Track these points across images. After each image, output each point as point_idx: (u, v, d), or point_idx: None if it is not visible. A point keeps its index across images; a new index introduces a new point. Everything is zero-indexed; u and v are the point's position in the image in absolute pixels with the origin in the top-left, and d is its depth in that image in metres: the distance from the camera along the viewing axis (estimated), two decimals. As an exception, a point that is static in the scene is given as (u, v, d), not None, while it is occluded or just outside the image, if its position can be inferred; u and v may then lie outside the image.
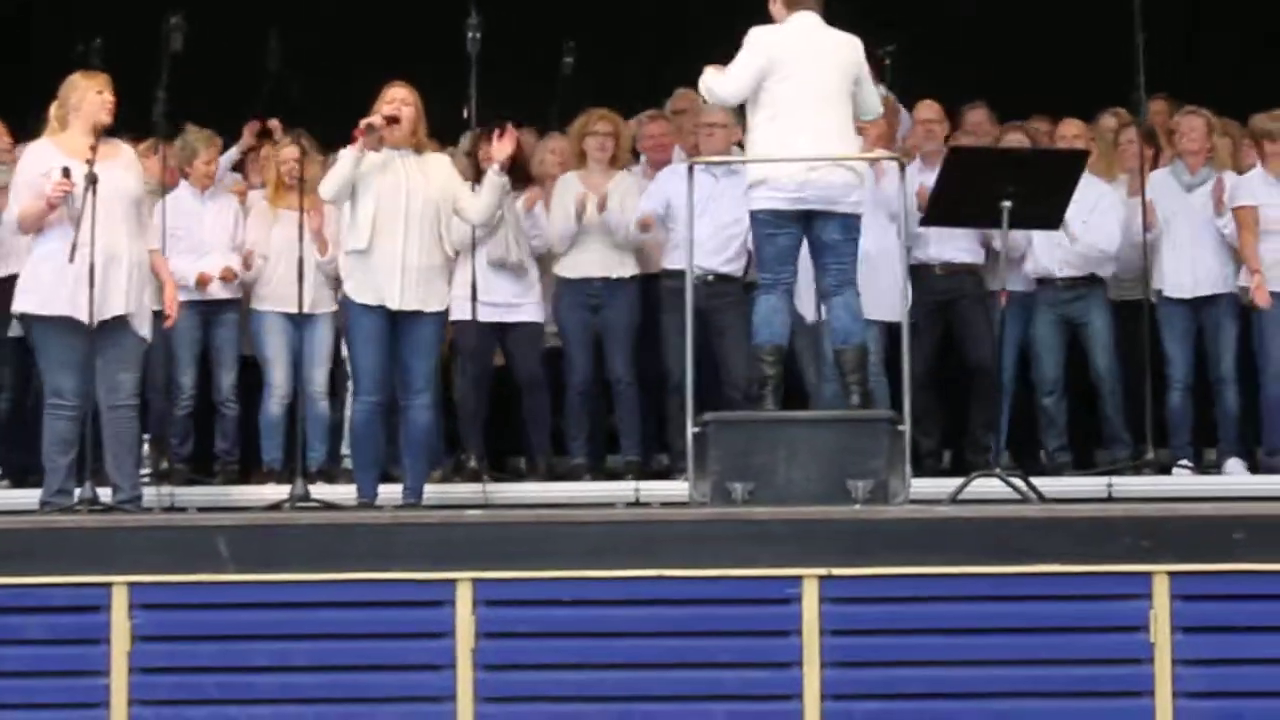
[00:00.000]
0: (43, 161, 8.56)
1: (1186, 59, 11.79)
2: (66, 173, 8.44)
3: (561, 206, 10.08)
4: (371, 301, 8.70)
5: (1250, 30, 12.04)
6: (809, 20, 8.55)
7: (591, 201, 9.94)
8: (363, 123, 8.70)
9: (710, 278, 9.70)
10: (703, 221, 9.29)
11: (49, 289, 8.52)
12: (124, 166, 8.62)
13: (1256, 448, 9.98)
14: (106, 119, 8.60)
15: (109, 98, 8.61)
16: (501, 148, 8.86)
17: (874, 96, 8.72)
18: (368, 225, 8.69)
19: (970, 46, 11.57)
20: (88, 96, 8.58)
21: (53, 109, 8.68)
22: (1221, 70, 11.72)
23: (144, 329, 8.61)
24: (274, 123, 10.57)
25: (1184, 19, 11.95)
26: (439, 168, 8.90)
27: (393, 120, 8.72)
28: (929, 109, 10.30)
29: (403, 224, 8.69)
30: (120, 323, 8.51)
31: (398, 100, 8.78)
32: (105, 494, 8.67)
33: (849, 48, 8.56)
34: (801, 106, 8.43)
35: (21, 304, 8.63)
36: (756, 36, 8.52)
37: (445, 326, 9.03)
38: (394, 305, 8.68)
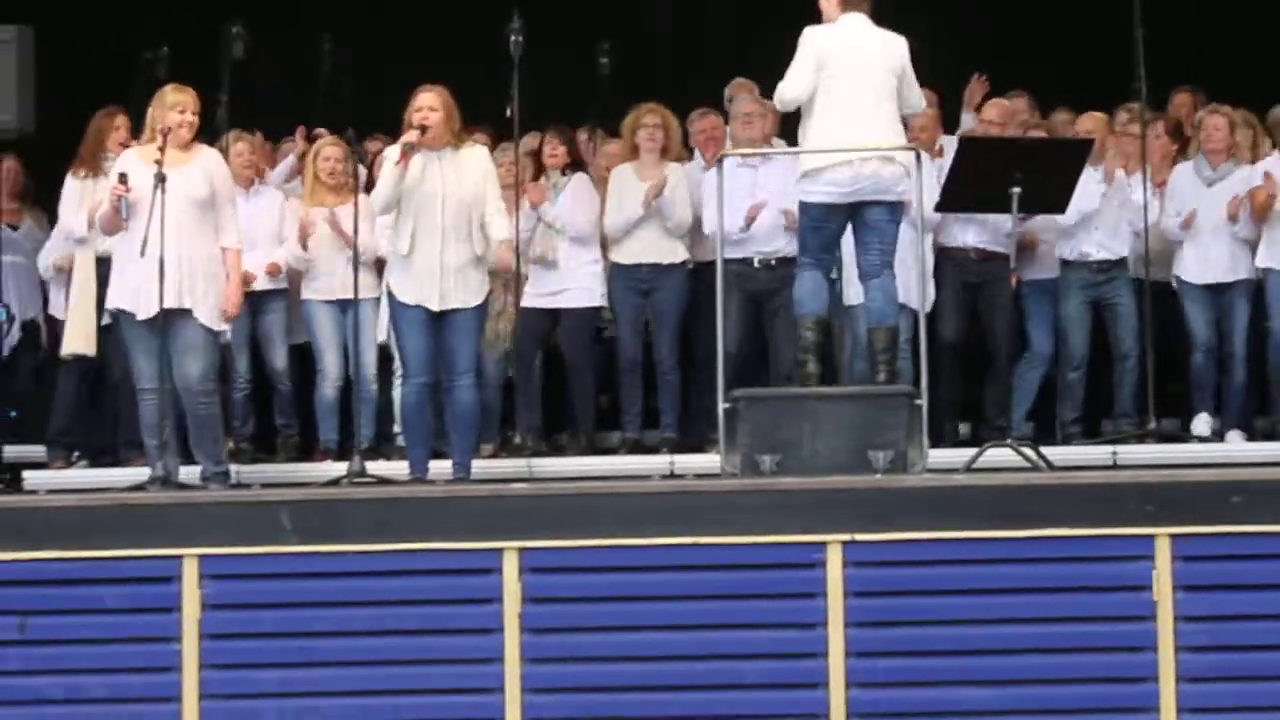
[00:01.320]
0: (122, 168, 8.69)
1: (1204, 51, 11.75)
2: (123, 179, 8.55)
3: (617, 198, 10.07)
4: (412, 301, 8.75)
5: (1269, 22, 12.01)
6: (858, 21, 8.53)
7: (652, 187, 9.92)
8: (400, 144, 8.69)
9: (772, 261, 9.73)
10: (764, 212, 9.46)
11: (118, 284, 8.66)
12: (196, 170, 8.68)
13: (1258, 419, 9.99)
14: (185, 135, 8.69)
15: (187, 117, 8.70)
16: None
17: (917, 92, 8.67)
18: (408, 233, 8.71)
19: (982, 39, 11.55)
20: (169, 115, 8.68)
21: (148, 117, 8.80)
22: (1239, 61, 11.68)
23: (210, 320, 8.67)
24: (320, 130, 10.57)
25: (1201, 11, 11.87)
26: (474, 165, 8.84)
27: (424, 130, 8.72)
28: (995, 108, 10.24)
29: (440, 230, 8.70)
30: (183, 315, 8.60)
31: (425, 107, 8.73)
32: (187, 472, 8.77)
33: (895, 45, 8.54)
34: (850, 102, 8.42)
35: (108, 299, 8.83)
36: (809, 36, 8.51)
37: (485, 311, 9.01)
38: (434, 307, 8.73)
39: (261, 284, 9.92)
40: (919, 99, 8.77)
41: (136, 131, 9.23)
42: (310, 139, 10.60)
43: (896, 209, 8.53)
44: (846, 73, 8.44)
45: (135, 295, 8.56)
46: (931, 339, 8.56)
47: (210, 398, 8.74)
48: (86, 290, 9.62)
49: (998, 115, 10.22)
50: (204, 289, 8.65)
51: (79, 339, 9.64)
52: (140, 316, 8.57)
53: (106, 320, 9.38)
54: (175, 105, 8.69)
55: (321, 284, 9.93)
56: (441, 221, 8.72)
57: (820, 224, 8.54)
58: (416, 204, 8.72)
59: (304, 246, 9.91)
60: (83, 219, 9.57)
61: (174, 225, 8.52)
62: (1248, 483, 7.29)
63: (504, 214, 8.93)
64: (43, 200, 10.39)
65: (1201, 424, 9.87)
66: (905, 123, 8.81)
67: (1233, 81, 10.71)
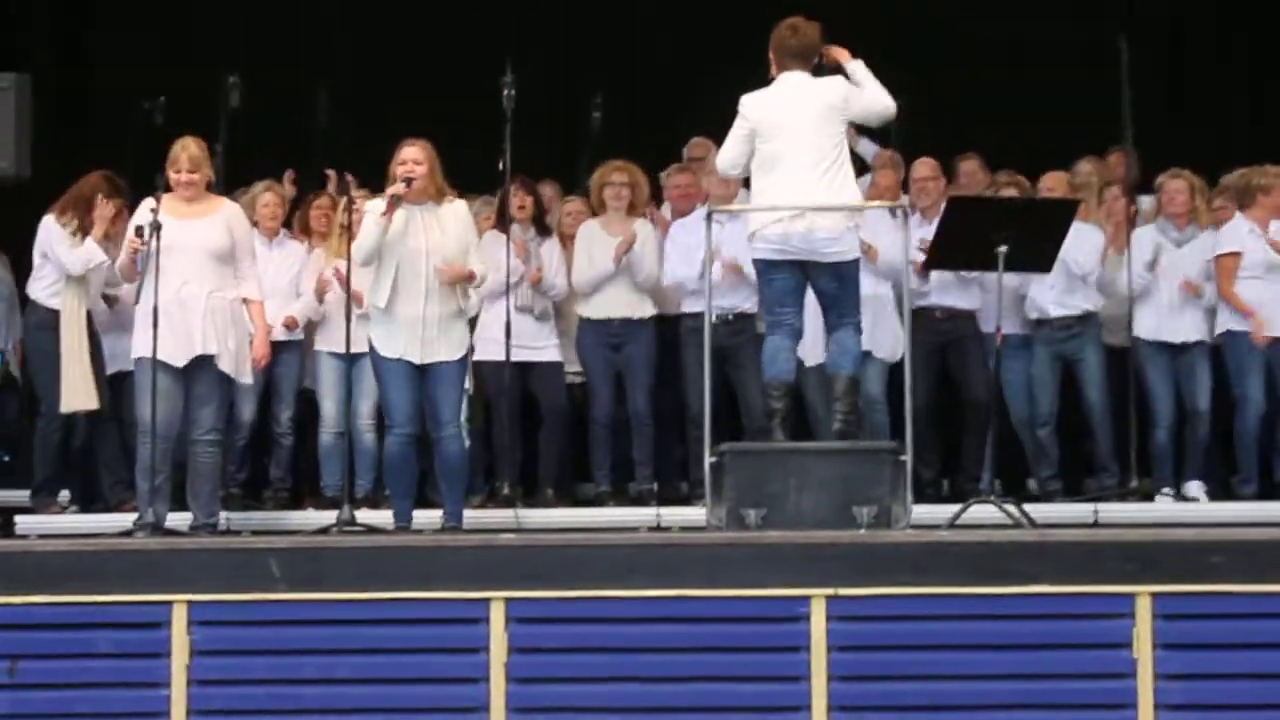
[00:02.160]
0: (138, 219, 8.83)
1: (1165, 113, 11.85)
2: (139, 231, 8.67)
3: (585, 254, 10.16)
4: (395, 355, 8.80)
5: (1229, 86, 12.12)
6: (795, 78, 8.55)
7: (622, 243, 10.01)
8: (387, 195, 8.76)
9: (730, 316, 9.80)
10: (716, 265, 9.44)
11: (143, 333, 8.72)
12: (213, 221, 8.81)
13: (1230, 478, 10.06)
14: (185, 192, 8.81)
15: (185, 176, 8.81)
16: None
17: (870, 96, 8.49)
18: (388, 286, 8.78)
19: (956, 100, 11.62)
20: (169, 173, 8.85)
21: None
22: (1196, 124, 11.79)
23: (230, 368, 8.76)
24: (330, 172, 10.63)
25: (1165, 76, 11.99)
26: (456, 220, 8.90)
27: (409, 183, 8.77)
28: (925, 166, 10.30)
29: (423, 284, 8.76)
30: (201, 362, 8.69)
31: (409, 161, 8.81)
32: (176, 518, 8.82)
33: (828, 87, 8.54)
34: (788, 163, 8.45)
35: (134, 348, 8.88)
36: (743, 105, 8.57)
37: (467, 364, 9.05)
38: (416, 360, 8.78)
39: (276, 335, 9.96)
40: (878, 101, 8.51)
41: (142, 184, 9.25)
42: (296, 183, 10.68)
43: (842, 271, 8.52)
44: (779, 135, 8.46)
45: (164, 342, 8.63)
46: (904, 398, 8.60)
47: (215, 447, 8.84)
48: (80, 343, 9.62)
49: (930, 171, 10.25)
50: (226, 338, 8.76)
51: (79, 395, 9.63)
52: (175, 364, 8.65)
53: (113, 369, 9.45)
54: (171, 163, 8.85)
55: (332, 335, 9.93)
56: (425, 276, 8.77)
57: (769, 278, 8.59)
58: (399, 258, 8.78)
59: (320, 300, 9.97)
60: (79, 255, 9.60)
61: (198, 276, 8.68)
62: (1228, 542, 7.31)
63: (484, 262, 9.02)
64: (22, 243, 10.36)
65: (1195, 488, 9.94)
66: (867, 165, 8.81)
67: (1181, 143, 10.82)
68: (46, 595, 7.36)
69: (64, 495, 10.12)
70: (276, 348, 9.92)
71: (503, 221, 10.06)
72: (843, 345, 8.57)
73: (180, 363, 8.69)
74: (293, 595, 7.34)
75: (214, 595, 7.34)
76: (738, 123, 8.58)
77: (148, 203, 8.86)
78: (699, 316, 9.14)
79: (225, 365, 8.76)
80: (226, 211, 8.93)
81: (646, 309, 10.18)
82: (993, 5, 11.77)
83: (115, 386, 9.77)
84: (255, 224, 10.16)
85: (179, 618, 7.32)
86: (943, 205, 9.52)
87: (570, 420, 10.30)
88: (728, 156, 8.65)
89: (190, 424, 8.73)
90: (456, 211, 8.95)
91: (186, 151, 8.86)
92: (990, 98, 11.75)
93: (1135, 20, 11.10)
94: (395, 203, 8.74)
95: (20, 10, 12.46)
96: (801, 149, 8.45)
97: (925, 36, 11.69)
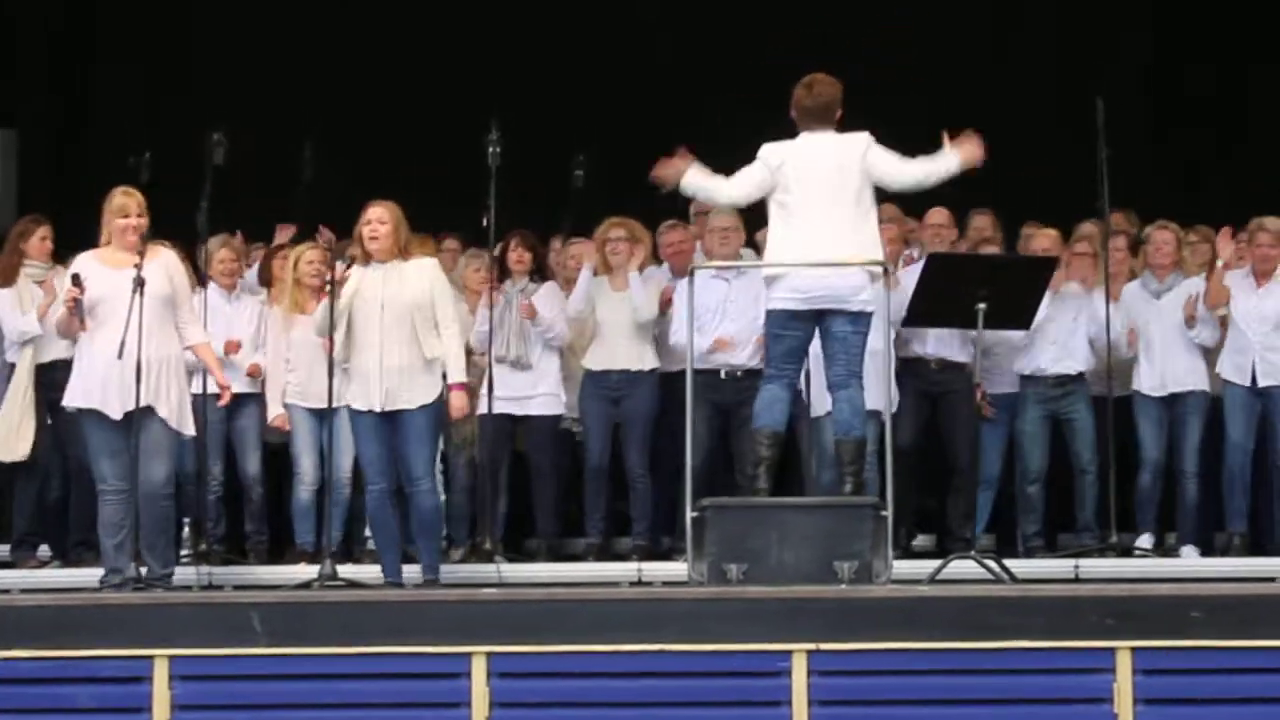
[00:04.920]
0: (77, 269, 8.73)
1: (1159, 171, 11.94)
2: (76, 280, 8.61)
3: (584, 292, 10.11)
4: (361, 406, 8.87)
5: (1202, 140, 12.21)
6: (819, 135, 8.53)
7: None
8: (340, 272, 8.92)
9: (739, 373, 9.79)
10: (725, 323, 9.59)
11: (80, 384, 8.68)
12: (158, 269, 8.71)
13: (1214, 534, 10.06)
14: (131, 238, 8.73)
15: (132, 221, 8.74)
16: (455, 408, 8.97)
17: (893, 166, 8.48)
18: (348, 340, 8.87)
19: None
20: (114, 220, 8.77)
21: (103, 220, 8.83)
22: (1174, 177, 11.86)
23: (174, 420, 8.69)
24: (289, 228, 10.65)
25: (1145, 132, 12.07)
26: (419, 275, 8.93)
27: (352, 262, 8.89)
28: (939, 214, 10.36)
29: (378, 334, 8.81)
30: (148, 414, 8.62)
31: (374, 220, 8.90)
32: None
33: (854, 144, 8.51)
34: (808, 214, 8.43)
35: (65, 398, 8.81)
36: (764, 152, 8.54)
37: (438, 415, 9.02)
38: (378, 408, 8.81)
39: (239, 386, 9.94)
40: (899, 169, 8.52)
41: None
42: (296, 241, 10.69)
43: (860, 319, 8.50)
44: (802, 185, 8.45)
45: (104, 394, 8.57)
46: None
47: (169, 499, 8.76)
48: (17, 393, 9.67)
49: (944, 219, 10.32)
50: (168, 389, 8.67)
51: (12, 442, 9.66)
52: (113, 416, 8.58)
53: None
54: (119, 210, 8.76)
55: (305, 390, 9.90)
56: (380, 327, 8.81)
57: (782, 331, 8.54)
58: (354, 313, 8.87)
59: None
60: (32, 317, 9.67)
61: (132, 325, 8.52)
62: (1207, 597, 7.33)
63: (456, 330, 8.99)
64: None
65: (1145, 540, 9.94)
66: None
67: (1185, 201, 10.87)
68: (28, 650, 7.33)
69: (44, 550, 10.09)
70: (238, 399, 9.90)
71: (493, 274, 10.05)
72: (854, 405, 8.51)
73: (118, 415, 8.59)
74: (275, 650, 7.32)
75: (196, 650, 7.32)
76: (755, 166, 8.53)
77: (86, 255, 8.80)
78: (705, 373, 9.26)
79: (169, 417, 8.66)
80: (165, 258, 8.82)
81: (648, 361, 10.13)
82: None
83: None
84: (210, 278, 10.16)
85: (160, 672, 7.29)
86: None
87: (565, 472, 10.26)
88: (735, 192, 8.61)
89: (144, 479, 8.61)
90: (421, 266, 8.98)
91: (134, 198, 8.81)
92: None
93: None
94: (348, 263, 8.88)
95: (9, 67, 12.49)
96: (822, 202, 8.43)
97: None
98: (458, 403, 8.95)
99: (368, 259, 8.91)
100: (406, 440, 8.84)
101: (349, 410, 8.97)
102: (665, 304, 10.06)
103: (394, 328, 8.82)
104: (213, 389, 9.46)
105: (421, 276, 8.93)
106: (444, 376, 8.90)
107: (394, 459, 8.89)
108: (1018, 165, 11.45)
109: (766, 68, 10.34)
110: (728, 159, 8.70)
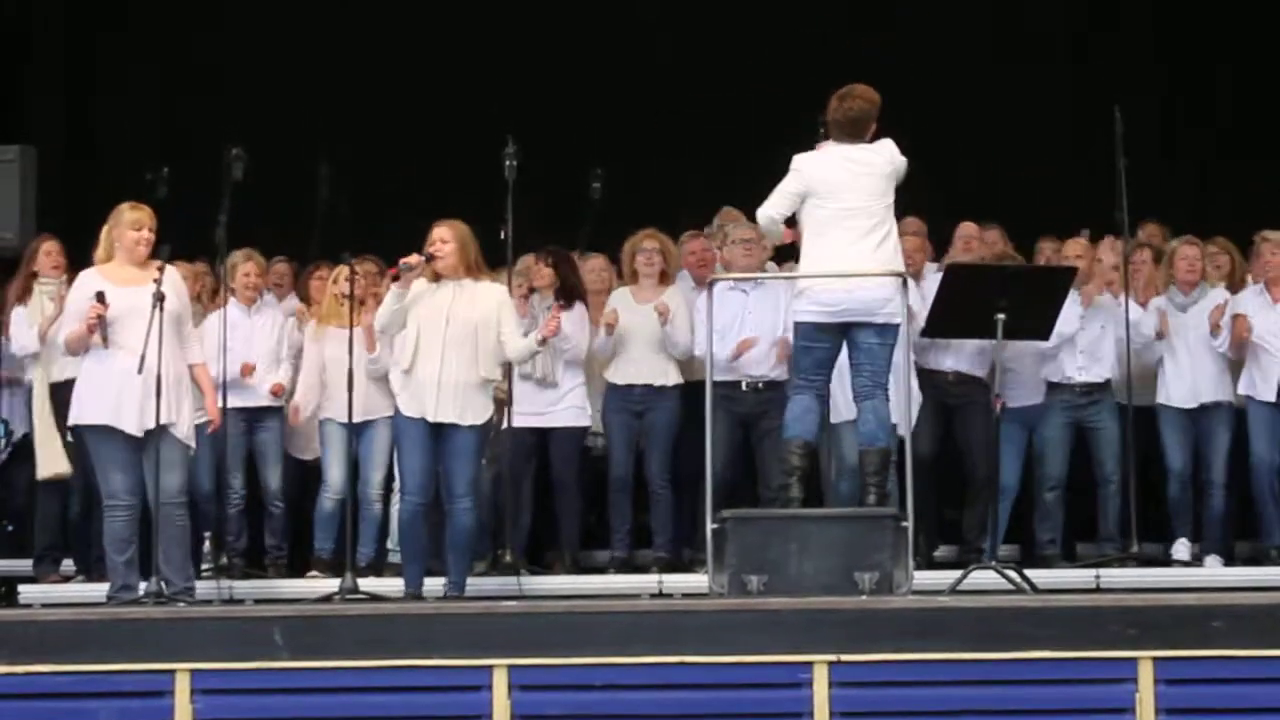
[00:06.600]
0: (87, 289, 8.75)
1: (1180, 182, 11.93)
2: (100, 298, 8.63)
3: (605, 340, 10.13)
4: (414, 414, 8.92)
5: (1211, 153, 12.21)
6: (845, 147, 8.53)
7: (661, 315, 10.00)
8: (400, 262, 8.92)
9: (760, 385, 9.80)
10: (744, 335, 9.65)
11: (94, 401, 8.69)
12: (166, 286, 8.71)
13: (1237, 542, 10.04)
14: (143, 251, 8.77)
15: (145, 234, 8.78)
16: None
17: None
18: (411, 347, 8.94)
19: (963, 168, 11.68)
20: (126, 233, 8.77)
21: (103, 236, 8.85)
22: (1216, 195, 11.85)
23: (186, 435, 8.72)
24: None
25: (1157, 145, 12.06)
26: (487, 297, 9.05)
27: (431, 258, 8.93)
28: (968, 228, 10.40)
29: (440, 346, 8.89)
30: (163, 430, 8.64)
31: (437, 240, 9.00)
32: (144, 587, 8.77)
33: (882, 151, 8.53)
34: (838, 227, 8.44)
35: (72, 415, 8.81)
36: (796, 163, 8.54)
37: (486, 437, 9.09)
38: (432, 418, 8.88)
39: (261, 400, 9.94)
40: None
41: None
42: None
43: (886, 331, 8.51)
44: (833, 198, 8.46)
45: (120, 410, 8.59)
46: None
47: (185, 511, 8.77)
48: (45, 410, 9.73)
49: (973, 232, 10.36)
50: (179, 404, 8.71)
51: (54, 459, 9.69)
52: (132, 432, 8.60)
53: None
54: (133, 223, 8.78)
55: (339, 403, 9.86)
56: (444, 339, 8.88)
57: (811, 343, 8.56)
58: (420, 321, 8.94)
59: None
60: (33, 334, 9.76)
61: (152, 341, 8.56)
62: (1229, 607, 7.30)
63: (520, 339, 9.08)
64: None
65: (1181, 549, 9.94)
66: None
67: (1208, 213, 10.86)
68: (50, 664, 7.33)
69: (67, 564, 10.11)
70: (258, 414, 9.92)
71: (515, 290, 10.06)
72: (880, 416, 8.51)
73: (137, 431, 8.61)
74: (296, 663, 7.31)
75: (217, 664, 7.31)
76: (791, 178, 8.52)
77: (91, 271, 8.81)
78: (724, 385, 9.31)
79: (181, 431, 8.69)
80: (171, 276, 8.83)
81: (671, 376, 10.12)
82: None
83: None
84: (233, 292, 10.17)
85: (182, 686, 7.29)
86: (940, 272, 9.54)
87: (590, 485, 10.26)
88: (773, 212, 8.55)
89: (163, 493, 8.63)
90: (491, 290, 9.10)
91: (146, 213, 8.83)
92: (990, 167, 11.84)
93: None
94: (406, 270, 8.93)
95: (26, 83, 12.52)
96: (851, 214, 8.44)
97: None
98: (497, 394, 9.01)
99: (436, 277, 8.98)
100: (453, 456, 8.92)
101: (397, 417, 9.02)
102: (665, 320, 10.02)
103: (455, 344, 8.91)
104: (233, 403, 9.47)
105: (490, 299, 9.04)
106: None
107: (434, 473, 8.93)
108: (1026, 176, 11.55)
109: (767, 68, 10.40)
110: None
